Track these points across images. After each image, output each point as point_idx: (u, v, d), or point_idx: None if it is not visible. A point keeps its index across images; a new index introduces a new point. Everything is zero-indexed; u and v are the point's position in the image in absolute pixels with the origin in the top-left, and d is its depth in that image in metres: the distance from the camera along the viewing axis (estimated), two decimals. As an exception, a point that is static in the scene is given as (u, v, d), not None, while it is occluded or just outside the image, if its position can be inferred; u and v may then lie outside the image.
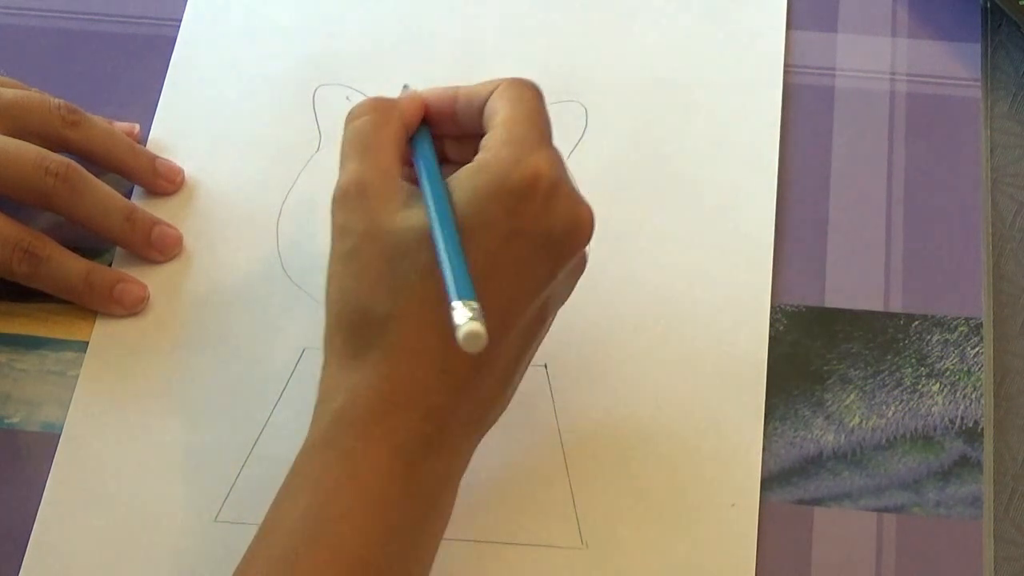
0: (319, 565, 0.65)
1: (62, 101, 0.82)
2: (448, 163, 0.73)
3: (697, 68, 0.87)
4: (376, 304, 0.68)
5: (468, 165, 0.69)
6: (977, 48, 0.87)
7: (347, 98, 0.86)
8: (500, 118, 0.70)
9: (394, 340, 0.68)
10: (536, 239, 0.68)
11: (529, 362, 0.73)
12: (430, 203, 0.69)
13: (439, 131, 0.73)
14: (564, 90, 0.86)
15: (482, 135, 0.71)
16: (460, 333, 0.64)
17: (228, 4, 0.90)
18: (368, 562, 0.66)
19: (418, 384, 0.68)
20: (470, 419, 0.70)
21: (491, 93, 0.72)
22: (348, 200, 0.70)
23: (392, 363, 0.68)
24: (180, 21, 0.89)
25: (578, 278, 0.73)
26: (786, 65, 0.87)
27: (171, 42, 0.89)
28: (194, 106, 0.87)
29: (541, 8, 0.89)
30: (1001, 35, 0.88)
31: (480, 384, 0.69)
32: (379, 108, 0.72)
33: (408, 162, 0.72)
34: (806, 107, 0.86)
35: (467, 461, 0.71)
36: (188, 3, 0.90)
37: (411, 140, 0.73)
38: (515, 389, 0.72)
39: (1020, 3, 0.85)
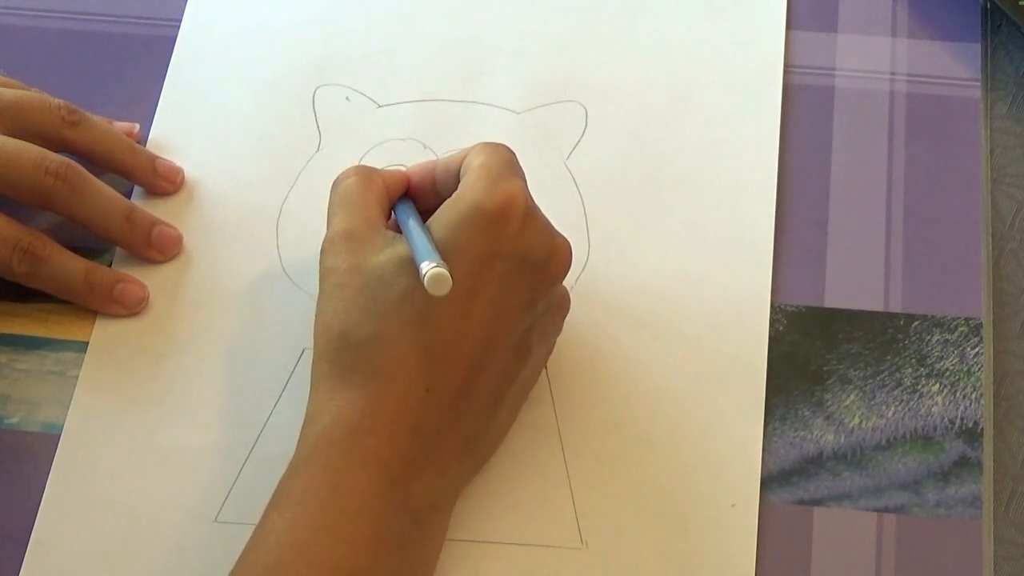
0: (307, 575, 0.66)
1: (62, 101, 0.82)
2: None
3: (697, 68, 0.87)
4: (359, 328, 0.69)
5: (446, 200, 0.71)
6: (977, 48, 0.87)
7: (347, 98, 0.86)
8: (475, 165, 0.72)
9: (377, 362, 0.69)
10: (514, 262, 0.70)
11: (521, 398, 0.75)
12: (408, 222, 0.72)
13: (422, 205, 0.75)
14: (564, 90, 0.86)
15: None
16: (426, 278, 0.67)
17: (228, 4, 0.90)
18: (355, 574, 0.66)
19: (402, 403, 0.69)
20: (458, 441, 0.71)
21: (467, 155, 0.74)
22: (334, 246, 0.72)
23: (376, 383, 0.69)
24: (180, 21, 0.89)
25: (563, 318, 0.75)
26: (786, 65, 0.87)
27: (171, 42, 0.89)
28: (194, 106, 0.87)
29: (541, 8, 0.89)
30: (1001, 35, 0.88)
31: (466, 405, 0.70)
32: (363, 172, 0.75)
33: (393, 226, 0.75)
34: (806, 107, 0.86)
35: (459, 486, 0.72)
36: (188, 3, 0.90)
37: (394, 207, 0.75)
38: (507, 419, 0.74)
39: (1020, 3, 0.85)
